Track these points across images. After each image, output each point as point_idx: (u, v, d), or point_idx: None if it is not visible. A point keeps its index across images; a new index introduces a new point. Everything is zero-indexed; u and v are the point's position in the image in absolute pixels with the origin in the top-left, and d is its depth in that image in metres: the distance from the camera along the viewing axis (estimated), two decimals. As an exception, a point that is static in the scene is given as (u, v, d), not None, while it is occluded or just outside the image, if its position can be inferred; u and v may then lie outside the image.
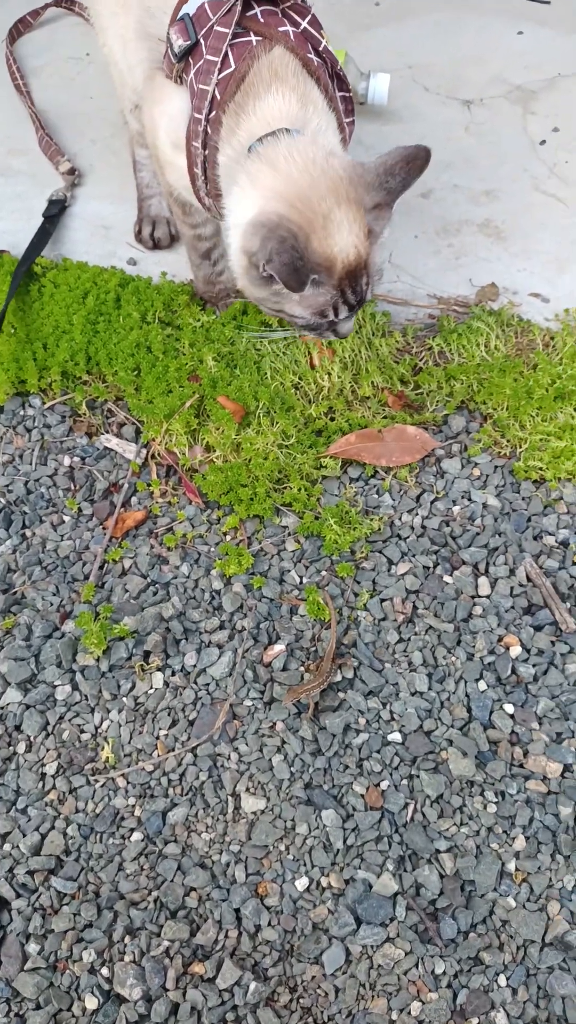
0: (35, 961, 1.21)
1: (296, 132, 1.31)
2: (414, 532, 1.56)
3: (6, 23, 2.46)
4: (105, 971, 1.20)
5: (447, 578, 1.50)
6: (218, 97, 1.34)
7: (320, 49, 1.41)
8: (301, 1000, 1.18)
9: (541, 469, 1.59)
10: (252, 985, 1.18)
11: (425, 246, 1.94)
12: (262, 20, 1.37)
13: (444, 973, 1.19)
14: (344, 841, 1.27)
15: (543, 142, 2.11)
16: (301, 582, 1.51)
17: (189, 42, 1.37)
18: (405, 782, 1.32)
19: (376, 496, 1.60)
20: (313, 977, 1.19)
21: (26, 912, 1.24)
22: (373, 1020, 1.15)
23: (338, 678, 1.40)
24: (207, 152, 1.38)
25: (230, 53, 1.34)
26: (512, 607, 1.47)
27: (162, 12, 1.44)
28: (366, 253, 1.30)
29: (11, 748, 1.37)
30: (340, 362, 1.70)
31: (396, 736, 1.35)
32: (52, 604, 1.50)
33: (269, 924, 1.22)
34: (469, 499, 1.59)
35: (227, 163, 1.36)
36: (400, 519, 1.57)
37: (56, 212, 1.99)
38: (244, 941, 1.21)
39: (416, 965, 1.19)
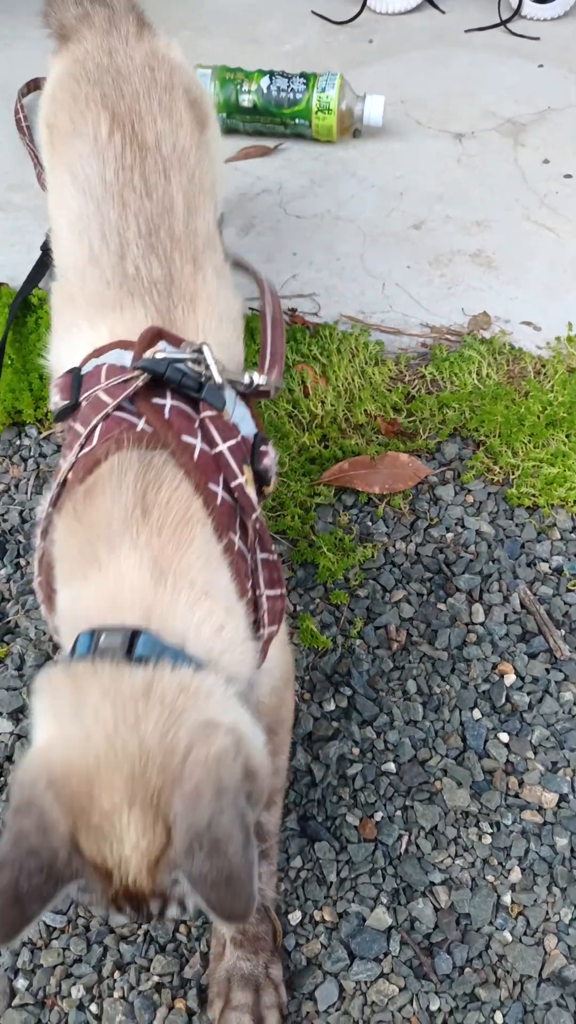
0: (23, 997, 1.19)
1: (149, 652, 0.79)
2: (408, 559, 1.56)
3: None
4: (94, 1007, 1.18)
5: (441, 605, 1.50)
6: (68, 481, 0.95)
7: (233, 486, 0.96)
8: (294, 1038, 1.16)
9: (534, 496, 1.59)
10: (244, 1023, 1.15)
11: (417, 276, 1.96)
12: (167, 417, 0.96)
13: (439, 1010, 1.16)
14: (338, 874, 1.26)
15: (568, 175, 2.14)
16: (295, 610, 1.51)
17: (67, 402, 1.04)
18: (399, 813, 1.30)
19: (370, 523, 1.60)
20: (307, 1013, 1.17)
21: (15, 946, 1.22)
22: (367, 1059, 1.13)
23: (332, 707, 1.39)
24: (43, 554, 0.97)
25: (98, 428, 0.95)
26: (506, 634, 1.46)
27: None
28: (147, 885, 0.75)
29: (2, 778, 1.36)
30: (333, 390, 1.71)
31: (391, 766, 1.34)
32: (45, 633, 1.50)
33: (261, 959, 1.20)
34: (463, 526, 1.59)
35: (59, 627, 0.92)
36: (394, 546, 1.57)
37: (54, 245, 2.01)
38: (236, 977, 1.19)
39: (411, 1002, 1.17)
